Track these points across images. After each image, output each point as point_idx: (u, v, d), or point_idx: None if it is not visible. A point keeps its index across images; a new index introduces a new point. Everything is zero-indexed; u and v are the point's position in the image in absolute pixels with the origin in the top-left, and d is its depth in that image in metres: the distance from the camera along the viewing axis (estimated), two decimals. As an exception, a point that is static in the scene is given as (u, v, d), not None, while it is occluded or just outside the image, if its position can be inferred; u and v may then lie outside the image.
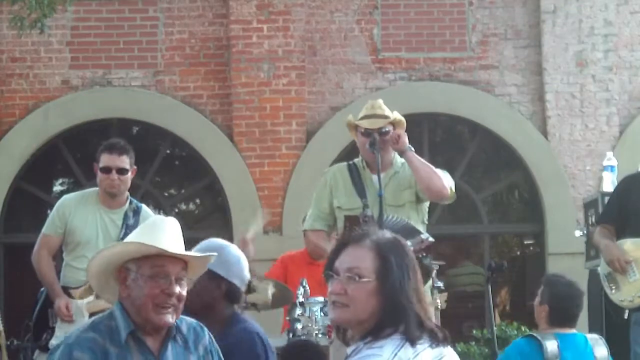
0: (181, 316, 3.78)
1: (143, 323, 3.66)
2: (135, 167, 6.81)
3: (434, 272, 6.14)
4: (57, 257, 7.09)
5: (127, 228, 6.61)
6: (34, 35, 10.90)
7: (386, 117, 6.41)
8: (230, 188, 12.41)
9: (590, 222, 8.68)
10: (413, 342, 3.13)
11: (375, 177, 6.29)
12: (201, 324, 3.86)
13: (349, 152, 12.65)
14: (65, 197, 6.96)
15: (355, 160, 6.55)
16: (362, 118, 6.43)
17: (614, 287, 6.86)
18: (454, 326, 12.92)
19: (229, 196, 12.42)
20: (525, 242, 13.83)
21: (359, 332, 3.20)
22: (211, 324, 4.16)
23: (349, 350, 3.21)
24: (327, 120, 12.58)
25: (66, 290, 6.71)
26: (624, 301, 6.83)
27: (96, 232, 6.66)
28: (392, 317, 3.16)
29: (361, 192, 6.29)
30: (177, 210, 13.32)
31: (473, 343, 11.38)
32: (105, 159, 6.63)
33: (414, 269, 3.24)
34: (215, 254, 3.94)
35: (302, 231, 6.64)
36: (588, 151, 12.41)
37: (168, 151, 13.23)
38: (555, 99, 12.51)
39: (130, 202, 6.75)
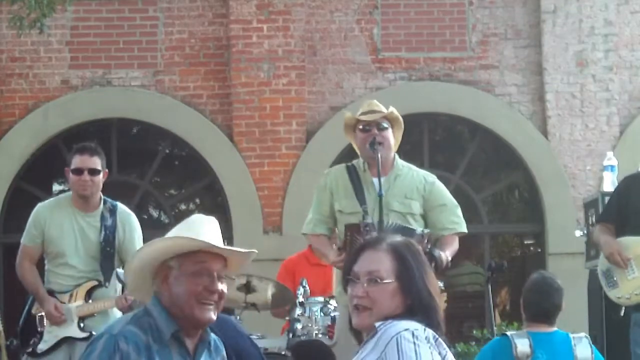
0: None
1: (184, 322, 3.66)
2: (106, 169, 6.79)
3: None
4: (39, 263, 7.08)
5: (106, 229, 6.64)
6: (33, 35, 10.90)
7: (380, 111, 6.36)
8: (230, 188, 12.40)
9: (590, 222, 8.68)
10: (436, 330, 3.32)
11: (376, 181, 6.21)
12: (219, 339, 3.86)
13: (349, 152, 12.64)
14: (39, 205, 6.91)
15: (355, 161, 6.48)
16: (361, 115, 6.40)
17: (611, 284, 6.86)
18: (454, 326, 12.91)
19: (229, 196, 12.41)
20: (526, 242, 13.82)
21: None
22: None
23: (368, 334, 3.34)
24: (327, 120, 12.57)
25: (52, 294, 6.70)
26: (621, 298, 6.83)
27: (74, 237, 6.64)
28: (416, 313, 3.31)
29: (360, 195, 6.21)
30: (177, 210, 13.31)
31: (473, 343, 11.37)
32: (76, 161, 6.60)
33: (428, 267, 3.43)
34: (253, 251, 3.90)
35: (302, 234, 6.55)
36: (588, 151, 12.40)
37: (168, 151, 13.22)
38: (556, 98, 12.51)
39: (105, 202, 6.74)
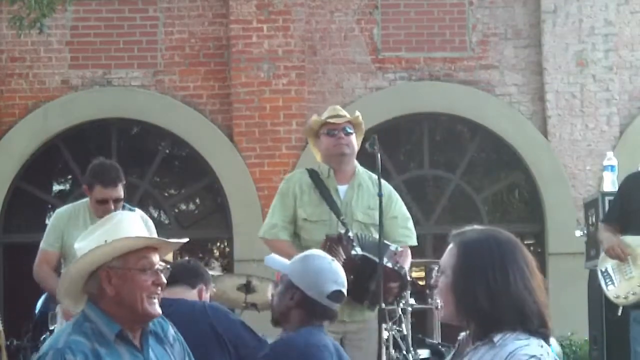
0: None
1: (127, 320, 3.65)
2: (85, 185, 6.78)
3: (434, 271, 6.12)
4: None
5: None
6: (33, 35, 10.88)
7: (345, 116, 6.36)
8: (230, 188, 12.40)
9: (590, 222, 8.67)
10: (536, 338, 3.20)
11: (340, 187, 6.18)
12: (162, 316, 3.83)
13: (349, 152, 12.65)
14: (57, 211, 6.97)
15: (316, 167, 6.37)
16: (328, 118, 6.38)
17: (610, 283, 6.86)
18: (454, 326, 12.91)
19: (229, 196, 12.41)
20: (526, 242, 13.81)
21: (469, 327, 3.28)
22: (287, 331, 4.35)
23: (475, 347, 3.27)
24: (327, 120, 12.55)
25: None
26: (619, 298, 6.83)
27: None
28: (471, 313, 3.23)
29: (330, 201, 6.13)
30: (177, 210, 13.31)
31: (473, 343, 11.36)
32: (101, 192, 6.58)
33: (509, 266, 3.22)
34: (186, 239, 3.95)
35: (261, 237, 6.38)
36: (588, 151, 12.40)
37: (168, 151, 13.22)
38: (556, 98, 12.50)
39: (123, 207, 6.74)
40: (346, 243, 5.87)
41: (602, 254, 7.06)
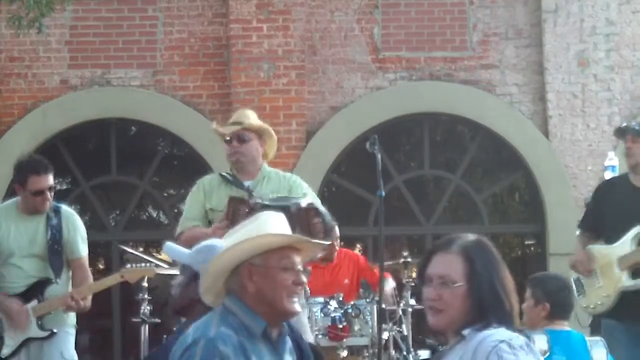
0: None
1: (269, 317, 3.70)
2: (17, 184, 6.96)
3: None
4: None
5: (52, 228, 6.74)
6: (32, 34, 10.86)
7: (241, 123, 6.44)
8: (230, 188, 12.36)
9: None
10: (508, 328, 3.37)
11: (246, 183, 6.35)
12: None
13: (349, 152, 12.63)
14: None
15: (226, 172, 6.55)
16: (223, 127, 6.52)
17: (580, 293, 6.88)
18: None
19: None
20: (526, 243, 13.79)
21: (455, 333, 3.40)
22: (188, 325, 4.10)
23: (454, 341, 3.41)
24: (327, 120, 12.55)
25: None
26: (588, 307, 6.87)
27: (22, 240, 6.75)
28: (486, 314, 3.36)
29: (235, 192, 6.29)
30: (176, 210, 13.27)
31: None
32: (36, 181, 6.73)
33: (502, 266, 3.46)
34: (328, 242, 3.97)
35: (177, 235, 6.52)
36: (589, 151, 12.37)
37: (167, 151, 13.19)
38: (557, 98, 12.48)
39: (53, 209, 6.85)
40: (249, 201, 5.94)
41: None
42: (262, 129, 6.49)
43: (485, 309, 3.36)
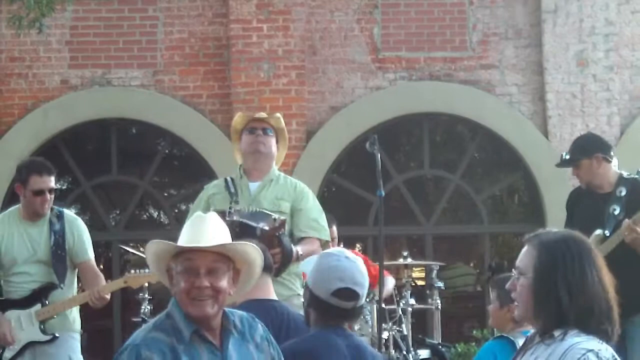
0: (233, 310, 3.91)
1: (193, 320, 3.75)
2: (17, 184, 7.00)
3: (434, 271, 6.13)
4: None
5: (55, 233, 6.76)
6: (33, 34, 10.88)
7: (269, 117, 6.57)
8: (230, 188, 12.37)
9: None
10: (596, 336, 3.31)
11: (252, 184, 6.40)
12: (252, 316, 3.97)
13: (349, 152, 12.64)
14: None
15: (231, 176, 6.60)
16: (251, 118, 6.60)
17: None
18: (454, 326, 12.90)
19: (229, 196, 12.38)
20: (526, 242, 13.78)
21: (540, 326, 3.38)
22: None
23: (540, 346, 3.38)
24: (327, 120, 12.56)
25: (11, 302, 6.79)
26: None
27: (26, 247, 6.77)
28: (550, 311, 3.32)
29: (234, 198, 6.35)
30: (176, 211, 13.29)
31: (473, 343, 11.35)
32: (37, 181, 6.77)
33: (579, 264, 3.36)
34: (246, 243, 3.98)
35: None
36: (589, 151, 12.36)
37: (167, 151, 13.21)
38: (556, 98, 12.49)
39: (51, 209, 6.86)
40: (228, 217, 5.95)
41: None
42: (282, 133, 6.59)
43: (548, 304, 3.32)
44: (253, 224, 5.95)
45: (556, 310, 3.32)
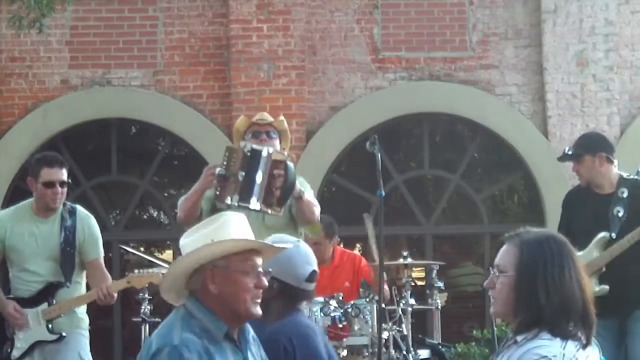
0: None
1: (229, 319, 3.71)
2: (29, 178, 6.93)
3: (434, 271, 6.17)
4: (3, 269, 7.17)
5: (66, 229, 6.73)
6: (33, 34, 10.89)
7: (273, 120, 6.64)
8: (230, 188, 12.37)
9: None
10: (565, 339, 3.27)
11: None
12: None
13: (349, 152, 12.64)
14: (0, 213, 7.07)
15: None
16: (256, 120, 6.66)
17: None
18: (454, 326, 12.90)
19: (229, 196, 12.38)
20: (526, 242, 13.78)
21: (515, 326, 3.37)
22: (267, 322, 4.29)
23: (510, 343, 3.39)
24: (327, 120, 12.56)
25: (19, 301, 6.77)
26: None
27: (36, 243, 6.75)
28: (530, 310, 3.30)
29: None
30: (176, 210, 13.28)
31: (473, 343, 11.35)
32: (47, 174, 6.72)
33: (559, 263, 3.37)
34: (289, 245, 4.06)
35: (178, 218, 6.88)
36: (589, 151, 12.36)
37: (167, 151, 13.21)
38: (556, 98, 12.49)
39: (64, 205, 6.83)
40: (245, 155, 6.14)
41: None
42: (285, 134, 6.63)
43: (529, 303, 3.29)
44: (261, 148, 6.11)
45: (535, 309, 3.29)
